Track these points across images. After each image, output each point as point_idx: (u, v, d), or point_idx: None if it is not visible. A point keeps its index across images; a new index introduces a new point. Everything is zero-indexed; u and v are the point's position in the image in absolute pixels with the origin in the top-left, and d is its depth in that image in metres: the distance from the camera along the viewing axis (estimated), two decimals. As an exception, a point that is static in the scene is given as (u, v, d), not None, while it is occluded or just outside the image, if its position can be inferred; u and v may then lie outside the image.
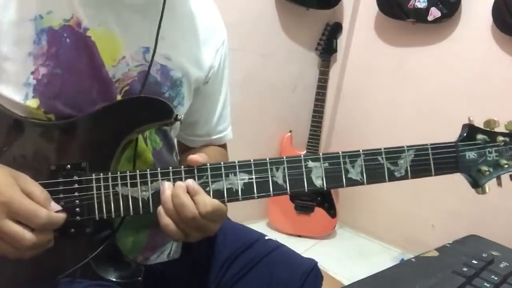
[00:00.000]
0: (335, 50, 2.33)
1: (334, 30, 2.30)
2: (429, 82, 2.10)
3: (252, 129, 2.18)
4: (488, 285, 0.54)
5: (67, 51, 0.64)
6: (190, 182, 0.62)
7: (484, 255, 0.63)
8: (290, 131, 2.34)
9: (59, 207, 0.58)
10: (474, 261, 0.60)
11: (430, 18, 1.95)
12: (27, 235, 0.53)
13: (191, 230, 0.62)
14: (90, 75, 0.66)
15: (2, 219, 0.52)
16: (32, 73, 0.63)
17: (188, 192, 0.61)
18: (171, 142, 0.81)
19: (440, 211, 2.06)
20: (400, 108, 2.20)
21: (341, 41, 2.37)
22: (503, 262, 0.61)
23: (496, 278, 0.56)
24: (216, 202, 0.62)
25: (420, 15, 1.97)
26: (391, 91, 2.23)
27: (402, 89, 2.19)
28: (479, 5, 1.89)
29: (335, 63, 2.41)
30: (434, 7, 1.94)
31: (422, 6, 1.96)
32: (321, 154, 0.65)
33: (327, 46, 2.29)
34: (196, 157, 0.64)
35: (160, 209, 0.62)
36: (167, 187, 0.61)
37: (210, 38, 0.81)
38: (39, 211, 0.54)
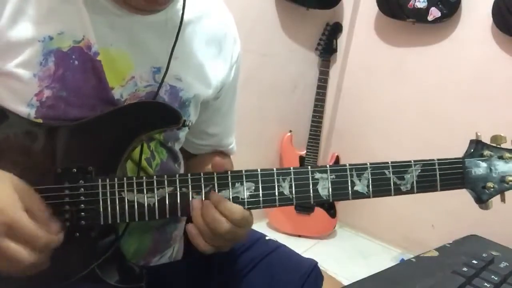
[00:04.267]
0: (335, 50, 2.33)
1: (334, 30, 2.30)
2: (429, 82, 2.10)
3: (252, 129, 2.18)
4: (488, 285, 0.54)
5: (74, 73, 0.63)
6: (214, 195, 0.62)
7: (484, 255, 0.63)
8: (290, 131, 2.34)
9: (58, 228, 0.58)
10: (474, 261, 0.60)
11: (430, 18, 1.95)
12: (26, 255, 0.53)
13: (224, 241, 0.63)
14: (96, 98, 0.65)
15: (2, 239, 0.51)
16: (36, 94, 0.62)
17: (213, 204, 0.61)
18: (176, 154, 0.80)
19: (440, 211, 2.06)
20: (400, 108, 2.20)
21: (341, 41, 2.37)
22: (503, 262, 0.61)
23: (496, 278, 0.56)
24: (240, 207, 0.62)
25: (420, 15, 1.97)
26: (391, 91, 2.23)
27: (402, 89, 2.20)
28: (479, 5, 1.89)
29: (335, 63, 2.42)
30: (434, 7, 1.94)
31: (422, 6, 1.96)
32: (328, 165, 0.64)
33: (327, 46, 2.29)
34: (222, 163, 0.64)
35: (191, 228, 0.62)
36: (197, 206, 0.61)
37: (224, 54, 0.79)
38: (39, 234, 0.54)
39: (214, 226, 0.60)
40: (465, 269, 0.58)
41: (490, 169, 0.67)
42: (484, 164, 0.67)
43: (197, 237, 0.62)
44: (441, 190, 0.67)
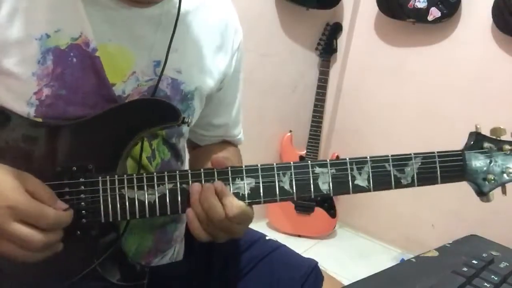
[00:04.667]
0: (335, 50, 2.33)
1: (334, 30, 2.30)
2: (429, 82, 2.10)
3: (252, 129, 2.18)
4: (488, 285, 0.54)
5: (73, 71, 0.63)
6: (219, 184, 0.61)
7: (484, 255, 0.63)
8: (290, 131, 2.34)
9: (65, 205, 0.58)
10: (474, 261, 0.60)
11: (430, 18, 1.95)
12: (37, 236, 0.53)
13: (219, 231, 0.62)
14: (96, 95, 0.65)
15: (10, 223, 0.52)
16: (35, 93, 0.61)
17: (216, 193, 0.61)
18: (179, 153, 0.80)
19: (440, 211, 2.06)
20: (400, 108, 2.20)
21: (341, 41, 2.37)
22: (503, 262, 0.61)
23: (496, 278, 0.56)
24: (242, 204, 0.62)
25: (420, 15, 1.97)
26: (391, 91, 2.23)
27: (402, 89, 2.20)
28: (479, 5, 1.89)
29: (335, 63, 2.42)
30: (434, 7, 1.94)
31: (422, 6, 1.96)
32: (328, 160, 0.64)
33: (327, 46, 2.29)
34: (222, 160, 0.64)
35: (189, 211, 0.61)
36: (196, 190, 0.61)
37: (225, 44, 0.79)
38: (47, 211, 0.54)
39: (211, 213, 0.60)
40: (465, 269, 0.58)
41: (490, 161, 0.67)
42: (484, 157, 0.67)
43: (193, 221, 0.61)
44: (442, 182, 0.67)
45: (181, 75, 0.72)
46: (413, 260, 0.63)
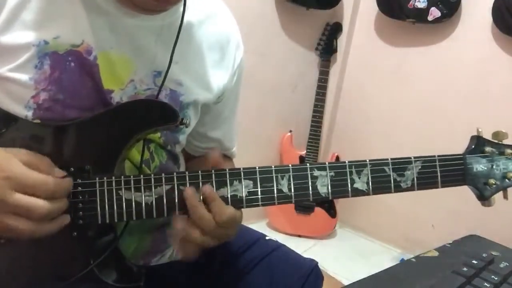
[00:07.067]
0: (335, 50, 2.33)
1: (334, 30, 2.30)
2: (428, 82, 2.10)
3: (252, 129, 2.18)
4: (488, 285, 0.54)
5: (70, 75, 0.63)
6: (207, 188, 0.60)
7: (484, 255, 0.63)
8: (290, 131, 2.34)
9: (63, 173, 0.58)
10: (474, 261, 0.60)
11: (430, 18, 1.96)
12: (40, 203, 0.52)
13: (208, 239, 0.61)
14: (93, 100, 0.65)
15: (11, 194, 0.51)
16: (33, 97, 0.61)
17: (204, 198, 0.60)
18: (176, 156, 0.80)
19: (440, 211, 2.06)
20: (399, 108, 2.20)
21: (341, 41, 2.37)
22: (503, 262, 0.61)
23: (496, 278, 0.56)
24: (232, 210, 0.61)
25: (420, 15, 1.97)
26: (391, 91, 2.23)
27: (402, 89, 2.20)
28: (479, 5, 1.89)
29: (335, 63, 2.42)
30: (434, 7, 1.94)
31: (422, 6, 1.96)
32: (327, 163, 0.64)
33: (327, 46, 2.29)
34: (219, 158, 0.63)
35: (178, 225, 0.61)
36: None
37: (226, 59, 0.78)
38: (46, 178, 0.54)
39: (200, 223, 0.59)
40: (465, 269, 0.57)
41: (492, 166, 0.66)
42: (485, 161, 0.66)
43: (181, 234, 0.61)
44: (442, 187, 0.66)
45: (181, 87, 0.72)
46: (413, 260, 0.63)
